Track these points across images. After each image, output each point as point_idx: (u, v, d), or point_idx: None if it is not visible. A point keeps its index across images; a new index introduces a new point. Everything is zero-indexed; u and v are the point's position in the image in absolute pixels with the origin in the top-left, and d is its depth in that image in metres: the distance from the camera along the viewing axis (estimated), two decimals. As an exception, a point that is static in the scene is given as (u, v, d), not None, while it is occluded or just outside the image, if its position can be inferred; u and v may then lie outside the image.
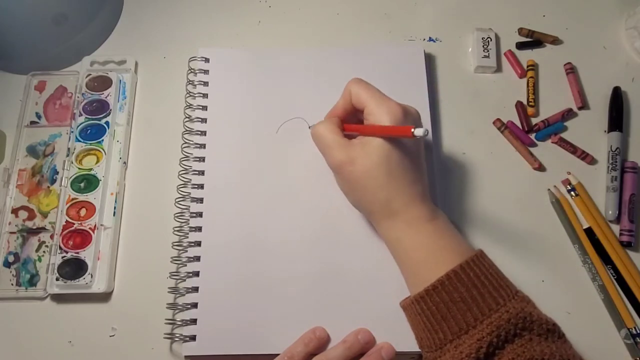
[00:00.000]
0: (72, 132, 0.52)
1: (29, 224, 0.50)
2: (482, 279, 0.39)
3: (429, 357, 0.40)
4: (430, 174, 0.50)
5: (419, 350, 0.44)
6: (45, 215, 0.50)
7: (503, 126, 0.54)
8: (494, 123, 0.54)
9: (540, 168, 0.52)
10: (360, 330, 0.44)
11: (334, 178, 0.48)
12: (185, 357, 0.45)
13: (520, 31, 0.58)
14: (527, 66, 0.56)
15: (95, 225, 0.48)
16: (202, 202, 0.49)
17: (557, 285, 0.48)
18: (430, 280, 0.39)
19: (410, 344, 0.44)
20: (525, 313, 0.37)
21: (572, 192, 0.51)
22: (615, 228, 0.50)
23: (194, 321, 0.45)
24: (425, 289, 0.39)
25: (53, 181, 0.51)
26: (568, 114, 0.54)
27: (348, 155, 0.42)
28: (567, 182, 0.51)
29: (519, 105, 0.55)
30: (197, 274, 0.47)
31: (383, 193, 0.42)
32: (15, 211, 0.50)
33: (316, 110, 0.49)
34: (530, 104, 0.55)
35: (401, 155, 0.42)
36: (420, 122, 0.45)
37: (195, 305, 0.45)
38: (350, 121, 0.46)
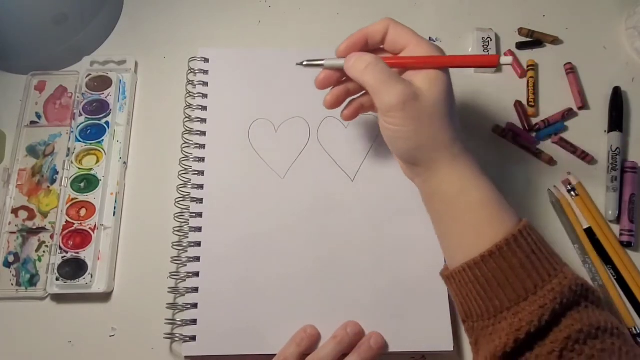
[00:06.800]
0: (72, 132, 0.52)
1: (29, 224, 0.50)
2: (539, 244, 0.37)
3: (477, 327, 0.38)
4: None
5: (419, 350, 0.44)
6: (45, 215, 0.50)
7: (504, 131, 0.53)
8: (493, 130, 0.54)
9: (551, 162, 0.52)
10: (349, 324, 0.44)
11: (334, 175, 0.48)
12: (185, 357, 0.45)
13: (520, 31, 0.58)
14: (527, 66, 0.56)
15: (95, 225, 0.48)
16: (201, 202, 0.49)
17: (557, 285, 0.48)
18: (493, 240, 0.37)
19: (410, 344, 0.44)
20: (581, 280, 0.36)
21: (572, 192, 0.51)
22: (615, 228, 0.50)
23: (194, 321, 0.45)
24: (481, 254, 0.37)
25: (53, 181, 0.51)
26: (568, 114, 0.54)
27: (411, 89, 0.37)
28: (567, 182, 0.51)
29: (519, 105, 0.55)
30: (197, 274, 0.46)
31: (449, 132, 0.38)
32: (15, 211, 0.50)
33: (316, 110, 0.49)
34: (530, 104, 0.54)
35: (452, 93, 0.39)
36: None
37: (195, 306, 0.45)
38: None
